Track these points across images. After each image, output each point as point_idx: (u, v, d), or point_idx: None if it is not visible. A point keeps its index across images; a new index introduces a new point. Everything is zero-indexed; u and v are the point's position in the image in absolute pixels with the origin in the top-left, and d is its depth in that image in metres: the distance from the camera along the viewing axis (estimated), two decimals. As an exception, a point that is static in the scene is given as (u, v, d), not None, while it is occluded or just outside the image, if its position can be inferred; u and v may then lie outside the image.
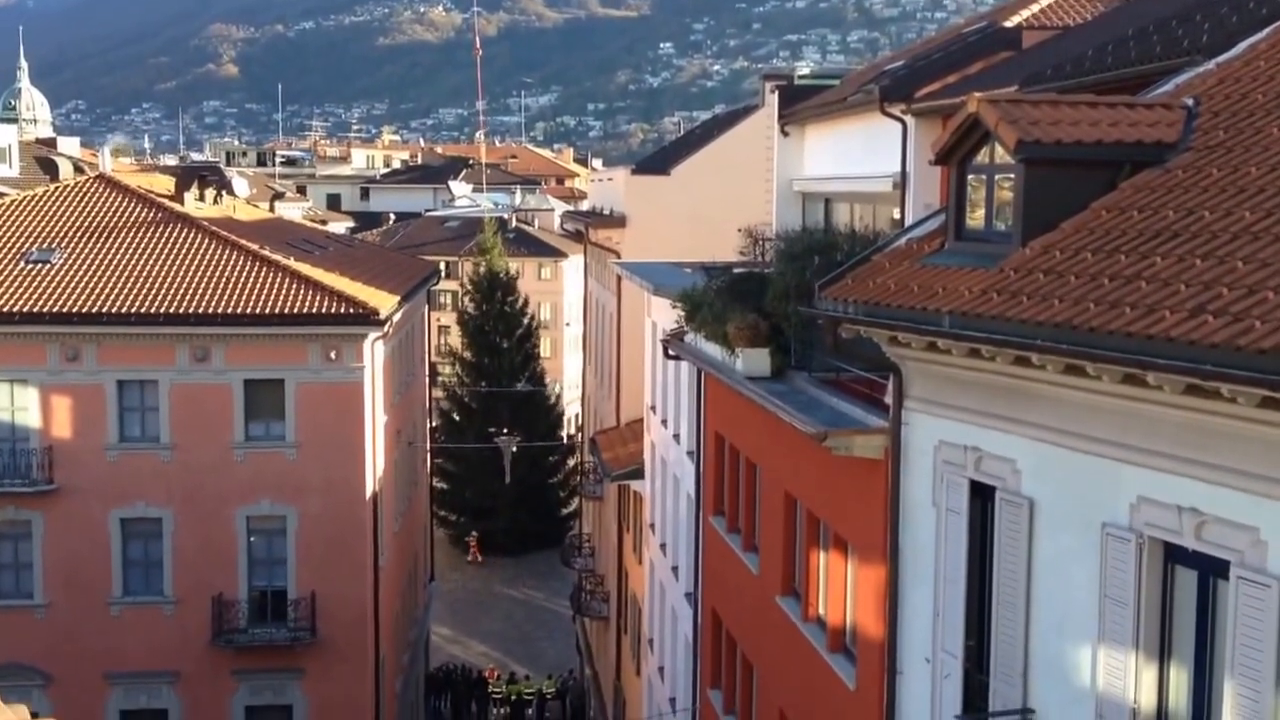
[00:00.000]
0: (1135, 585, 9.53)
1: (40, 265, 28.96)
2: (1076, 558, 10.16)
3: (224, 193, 40.56)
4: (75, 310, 27.49)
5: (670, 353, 22.65)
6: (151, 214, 31.54)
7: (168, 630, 28.24)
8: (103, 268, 28.98)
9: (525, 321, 64.92)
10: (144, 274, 28.77)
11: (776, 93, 24.76)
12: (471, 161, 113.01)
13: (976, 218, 11.86)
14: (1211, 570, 9.05)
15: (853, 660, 14.51)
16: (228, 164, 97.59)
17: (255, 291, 28.30)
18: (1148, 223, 10.04)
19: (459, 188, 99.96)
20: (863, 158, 19.94)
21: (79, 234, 30.44)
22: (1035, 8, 20.20)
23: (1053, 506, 10.46)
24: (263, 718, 28.86)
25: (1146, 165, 10.84)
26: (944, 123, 15.18)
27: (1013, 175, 11.18)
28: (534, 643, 50.66)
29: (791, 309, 15.94)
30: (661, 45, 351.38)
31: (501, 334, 62.95)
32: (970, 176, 11.90)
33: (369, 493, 28.78)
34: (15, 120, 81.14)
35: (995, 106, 11.19)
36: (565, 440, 64.28)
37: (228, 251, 29.80)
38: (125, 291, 28.09)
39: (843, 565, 15.01)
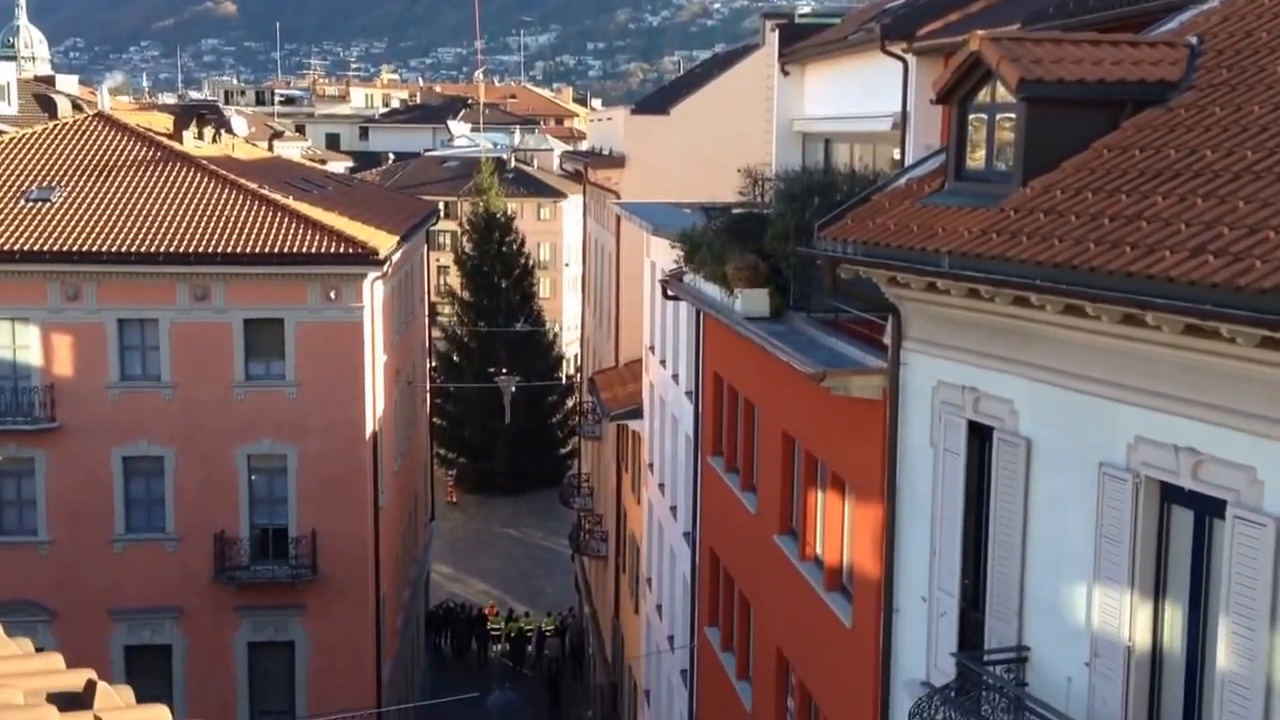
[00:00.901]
0: (1131, 524, 9.59)
1: (40, 204, 28.86)
2: (1073, 497, 10.21)
3: (223, 132, 40.30)
4: (75, 249, 27.43)
5: (669, 293, 22.62)
6: (151, 153, 31.39)
7: (170, 567, 28.43)
8: (102, 206, 28.89)
9: (523, 261, 64.84)
10: (144, 213, 28.67)
11: (777, 31, 24.55)
12: (470, 101, 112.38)
13: (977, 157, 11.81)
14: (1208, 510, 9.10)
15: (849, 599, 14.63)
16: (226, 103, 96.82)
17: (255, 231, 28.23)
18: (1149, 162, 10.00)
19: (458, 127, 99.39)
20: (863, 97, 19.81)
21: (78, 172, 30.31)
22: (1040, -55, 19.94)
23: (1050, 446, 10.51)
24: (265, 653, 29.13)
25: (1149, 104, 10.78)
26: (945, 61, 15.05)
27: (1014, 114, 11.12)
28: (533, 581, 51.07)
29: (791, 249, 15.91)
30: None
31: (499, 274, 62.89)
32: (971, 116, 11.83)
33: (369, 432, 28.87)
34: (14, 58, 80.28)
35: (997, 45, 11.11)
36: (564, 380, 64.42)
37: (227, 191, 29.69)
38: (125, 230, 28.01)
39: (840, 505, 15.10)
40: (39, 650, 5.84)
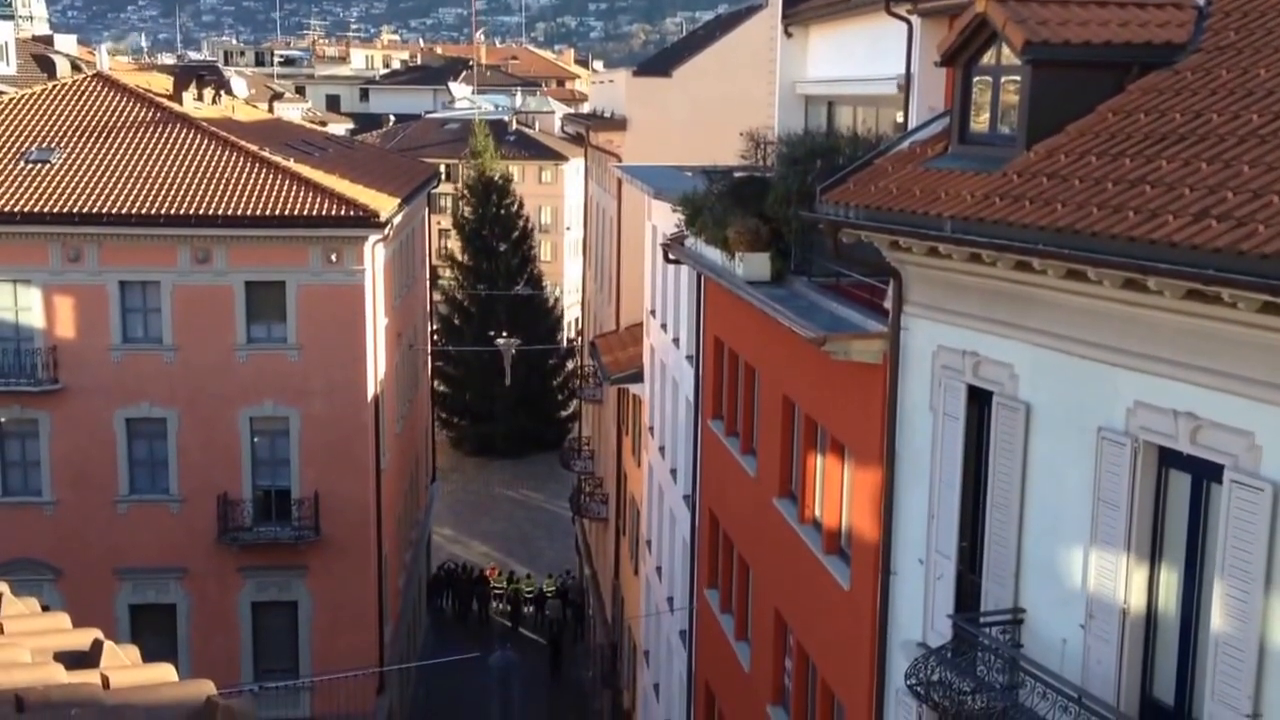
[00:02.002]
0: (1129, 488, 9.63)
1: (40, 165, 28.78)
2: (1071, 461, 10.25)
3: (222, 93, 40.12)
4: (76, 210, 27.37)
5: (670, 257, 22.60)
6: (150, 114, 31.26)
7: (174, 528, 28.56)
8: (102, 168, 28.81)
9: (521, 224, 64.65)
10: (144, 174, 28.60)
11: (781, -7, 24.36)
12: (471, 62, 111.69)
13: (981, 121, 11.78)
14: (1205, 474, 9.14)
15: (847, 561, 14.70)
16: (225, 63, 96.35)
17: (256, 193, 28.16)
18: (1154, 126, 9.97)
19: (459, 89, 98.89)
20: (867, 59, 19.69)
21: (78, 133, 30.19)
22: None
23: (1049, 411, 10.53)
24: (269, 613, 29.30)
25: (1155, 67, 10.74)
26: (951, 23, 14.96)
27: (1019, 77, 11.08)
28: (534, 543, 51.27)
29: (792, 213, 15.88)
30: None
31: (498, 237, 62.74)
32: (976, 78, 11.79)
33: (370, 394, 28.92)
34: (11, 17, 79.82)
35: (1003, 6, 11.06)
36: (565, 344, 64.41)
37: (227, 152, 29.60)
38: (125, 192, 27.95)
39: (839, 468, 15.14)
40: (45, 609, 5.89)
